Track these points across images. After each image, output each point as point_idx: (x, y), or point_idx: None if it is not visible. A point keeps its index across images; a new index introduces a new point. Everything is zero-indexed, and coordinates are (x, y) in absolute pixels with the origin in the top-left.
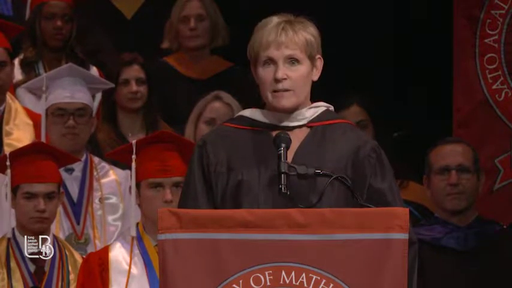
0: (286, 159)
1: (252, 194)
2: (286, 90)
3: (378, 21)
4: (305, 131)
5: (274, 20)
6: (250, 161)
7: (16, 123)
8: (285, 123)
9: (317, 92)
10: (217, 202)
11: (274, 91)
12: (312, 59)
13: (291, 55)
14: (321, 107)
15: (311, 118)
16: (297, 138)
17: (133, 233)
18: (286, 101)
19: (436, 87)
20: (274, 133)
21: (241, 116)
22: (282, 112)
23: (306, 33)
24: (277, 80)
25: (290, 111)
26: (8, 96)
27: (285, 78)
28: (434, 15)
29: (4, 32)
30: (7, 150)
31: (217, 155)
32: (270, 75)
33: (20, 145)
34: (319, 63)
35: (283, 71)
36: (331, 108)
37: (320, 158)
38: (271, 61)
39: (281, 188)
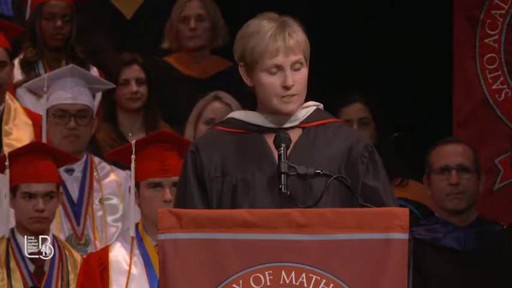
0: (286, 159)
1: (247, 197)
2: (294, 95)
3: (378, 21)
4: (298, 131)
5: (267, 23)
6: (244, 164)
7: (16, 123)
8: (278, 125)
9: (317, 92)
10: (212, 207)
11: (283, 97)
12: (307, 59)
13: (297, 60)
14: (311, 106)
15: (303, 119)
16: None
17: (133, 233)
18: (293, 105)
19: (436, 87)
20: (266, 135)
21: (233, 119)
22: (283, 115)
23: (302, 34)
24: (286, 87)
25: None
26: (8, 96)
27: (293, 85)
28: (434, 15)
29: (4, 32)
30: (6, 150)
31: (210, 160)
32: (277, 82)
33: (20, 145)
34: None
35: (291, 77)
36: (321, 106)
37: (314, 159)
38: (278, 68)
39: (281, 188)
